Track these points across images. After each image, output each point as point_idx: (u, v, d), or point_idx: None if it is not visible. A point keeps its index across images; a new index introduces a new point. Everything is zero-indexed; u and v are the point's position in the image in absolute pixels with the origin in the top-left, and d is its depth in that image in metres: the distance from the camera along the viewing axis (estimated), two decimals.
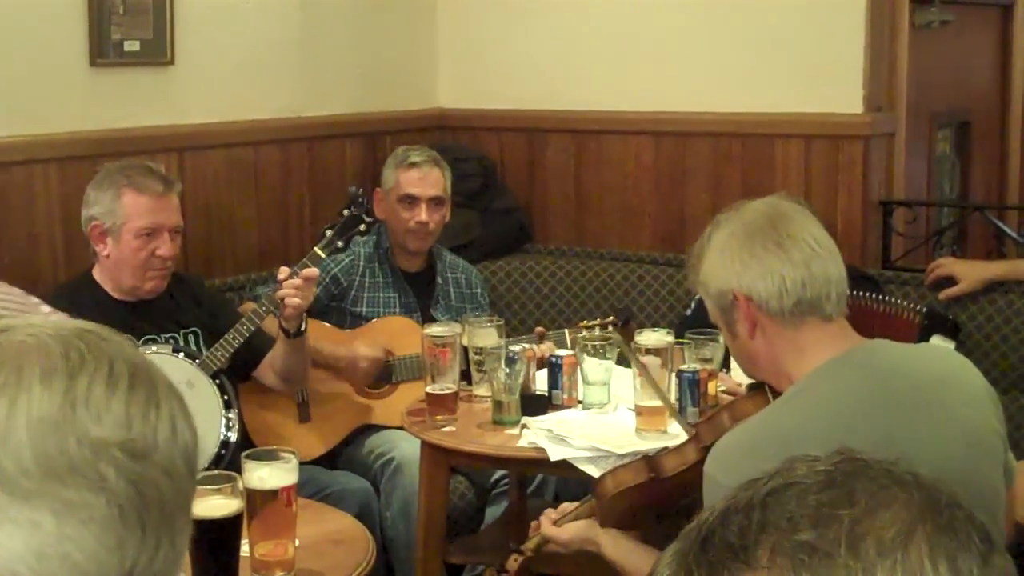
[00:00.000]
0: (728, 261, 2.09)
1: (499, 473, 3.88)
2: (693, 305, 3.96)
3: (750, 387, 2.29)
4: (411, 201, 4.05)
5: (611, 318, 3.63)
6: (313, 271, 3.46)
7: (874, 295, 3.87)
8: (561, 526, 2.45)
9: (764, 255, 2.06)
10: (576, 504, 2.52)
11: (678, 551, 0.89)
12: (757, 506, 0.87)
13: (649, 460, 2.35)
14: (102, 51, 3.87)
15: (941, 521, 0.85)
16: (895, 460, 0.92)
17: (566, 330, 3.76)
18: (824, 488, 0.87)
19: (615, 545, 2.37)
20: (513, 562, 2.52)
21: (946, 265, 4.14)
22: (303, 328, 3.50)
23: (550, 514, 2.49)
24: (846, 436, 1.85)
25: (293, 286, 3.39)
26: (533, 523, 2.50)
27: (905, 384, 2.03)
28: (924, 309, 3.92)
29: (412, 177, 4.06)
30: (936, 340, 3.84)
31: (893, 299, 3.90)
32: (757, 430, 2.01)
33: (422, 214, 4.05)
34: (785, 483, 0.89)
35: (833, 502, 0.86)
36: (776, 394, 2.15)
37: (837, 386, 2.00)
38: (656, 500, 2.40)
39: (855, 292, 3.82)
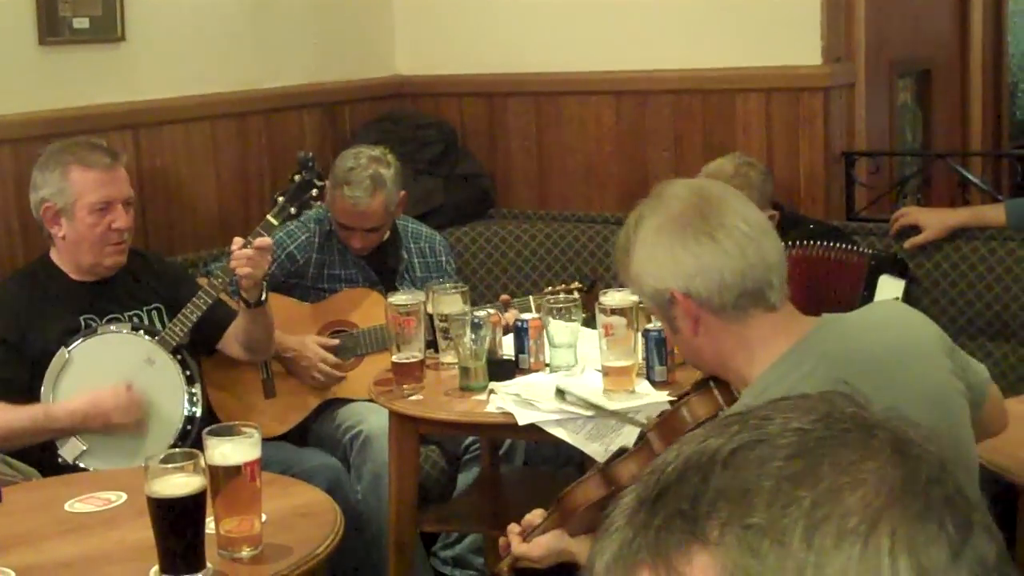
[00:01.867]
0: (660, 258, 1.98)
1: (469, 439, 3.87)
2: None
3: (696, 384, 2.21)
4: (347, 228, 3.98)
5: (576, 284, 3.61)
6: (266, 240, 3.42)
7: (820, 243, 3.87)
8: (530, 541, 2.41)
9: (697, 249, 1.95)
10: (541, 516, 2.47)
11: (630, 505, 0.83)
12: (718, 466, 0.80)
13: (604, 472, 2.29)
14: (51, 29, 3.81)
15: (914, 507, 0.78)
16: (888, 418, 0.86)
17: (531, 297, 3.74)
18: (791, 456, 0.79)
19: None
20: None
21: (910, 214, 4.15)
22: (263, 298, 3.47)
23: (514, 529, 2.45)
24: None
25: (244, 256, 3.35)
26: (502, 540, 2.45)
27: (861, 361, 1.96)
28: (870, 251, 3.95)
29: (347, 206, 3.91)
30: (885, 279, 3.86)
31: (840, 244, 3.90)
32: None
33: (356, 241, 3.98)
34: (753, 439, 0.81)
35: (796, 476, 0.78)
36: (723, 388, 2.10)
37: (795, 383, 1.90)
38: None
39: (804, 242, 3.84)
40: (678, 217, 1.98)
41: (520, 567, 2.44)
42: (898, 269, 3.92)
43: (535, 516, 2.40)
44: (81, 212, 3.38)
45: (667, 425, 2.16)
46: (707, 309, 1.97)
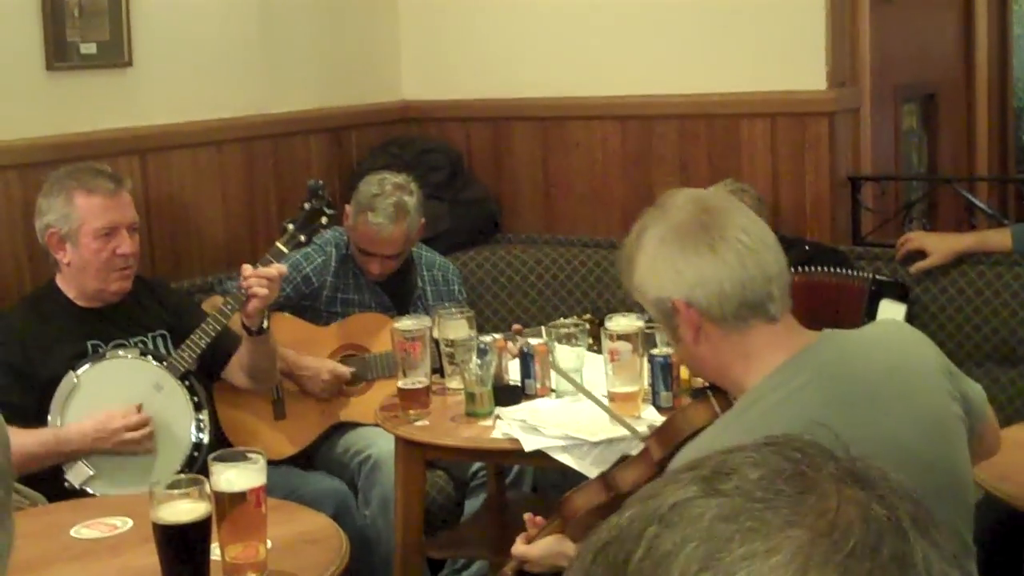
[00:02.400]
0: (662, 268, 2.00)
1: (477, 465, 3.87)
2: None
3: (693, 393, 2.24)
4: (367, 253, 4.02)
5: (588, 316, 3.60)
6: (282, 268, 3.43)
7: (822, 268, 3.89)
8: (533, 544, 2.43)
9: (698, 260, 1.97)
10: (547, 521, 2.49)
11: (580, 553, 0.86)
12: (654, 524, 0.82)
13: (605, 479, 2.31)
14: (58, 55, 3.83)
15: None
16: (844, 473, 0.85)
17: (543, 328, 3.74)
18: (719, 518, 0.80)
19: None
20: None
21: (916, 239, 4.15)
22: (265, 326, 3.47)
23: (529, 531, 2.46)
24: None
25: (265, 276, 3.36)
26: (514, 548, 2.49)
27: (858, 382, 1.96)
28: (872, 275, 3.96)
29: (370, 232, 3.94)
30: (886, 304, 3.86)
31: (840, 269, 3.92)
32: (716, 444, 1.95)
33: (375, 267, 4.00)
34: (692, 496, 0.83)
35: (716, 540, 0.79)
36: (720, 397, 2.12)
37: (788, 394, 1.92)
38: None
39: (805, 268, 3.85)
40: (680, 227, 2.00)
41: (525, 571, 2.44)
42: (899, 293, 3.93)
43: (541, 521, 2.42)
44: (86, 238, 3.39)
45: (665, 432, 2.19)
46: (708, 319, 1.99)
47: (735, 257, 1.97)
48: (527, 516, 2.44)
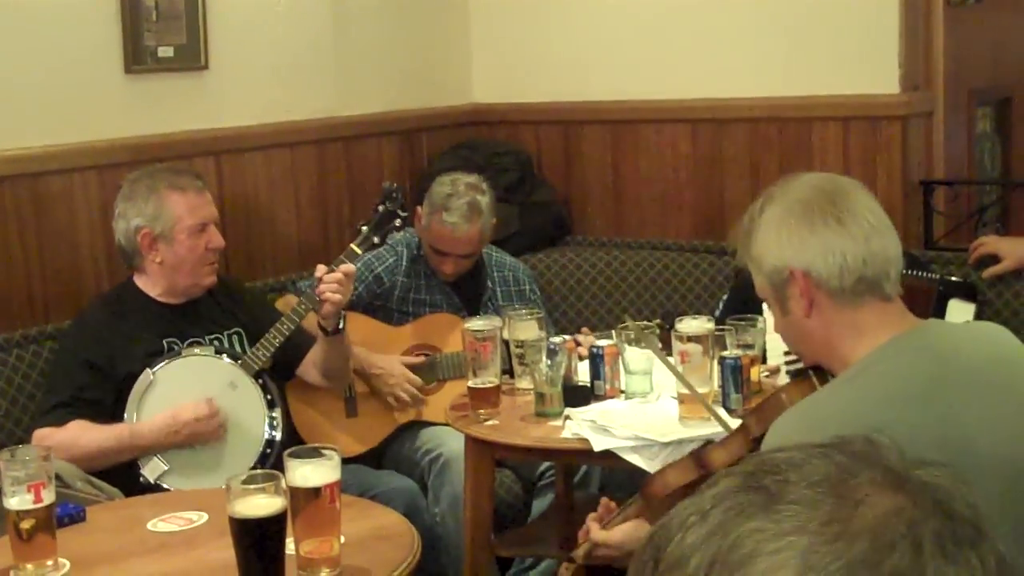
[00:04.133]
0: (785, 237, 2.03)
1: (544, 465, 3.88)
2: (728, 293, 3.96)
3: (794, 374, 2.25)
4: (441, 253, 4.04)
5: (657, 321, 3.61)
6: (350, 267, 3.47)
7: None
8: (609, 529, 2.42)
9: (824, 231, 2.00)
10: (622, 505, 2.49)
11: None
12: (695, 515, 0.86)
13: (697, 457, 2.31)
14: (137, 58, 3.89)
15: None
16: (873, 475, 0.87)
17: (612, 332, 3.75)
18: (741, 517, 0.84)
19: None
20: (565, 571, 2.49)
21: (989, 243, 4.11)
22: (341, 326, 3.51)
23: (595, 518, 2.46)
24: (902, 415, 1.86)
25: (333, 280, 3.40)
26: (582, 530, 2.47)
27: (966, 365, 1.99)
28: (938, 276, 3.93)
29: (444, 232, 3.97)
30: (955, 303, 3.84)
31: (909, 271, 3.89)
32: (817, 409, 1.97)
33: (448, 266, 4.04)
34: (725, 491, 0.87)
35: (732, 538, 0.83)
36: (821, 377, 2.13)
37: (897, 366, 1.96)
38: None
39: None
40: (807, 200, 2.04)
41: (597, 555, 2.43)
42: (967, 293, 3.89)
43: (615, 507, 2.42)
44: (181, 235, 3.46)
45: (765, 410, 2.20)
46: (824, 290, 2.01)
47: (861, 232, 2.00)
48: (603, 500, 2.44)
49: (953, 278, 3.99)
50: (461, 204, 3.95)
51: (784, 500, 0.84)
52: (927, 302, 3.82)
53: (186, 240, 3.46)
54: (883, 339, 1.99)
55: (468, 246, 4.00)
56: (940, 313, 3.82)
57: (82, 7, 3.77)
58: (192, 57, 4.05)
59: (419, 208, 4.08)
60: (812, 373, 2.14)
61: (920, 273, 3.91)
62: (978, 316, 3.85)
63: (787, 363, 3.46)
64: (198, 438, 3.35)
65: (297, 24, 4.38)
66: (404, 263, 4.06)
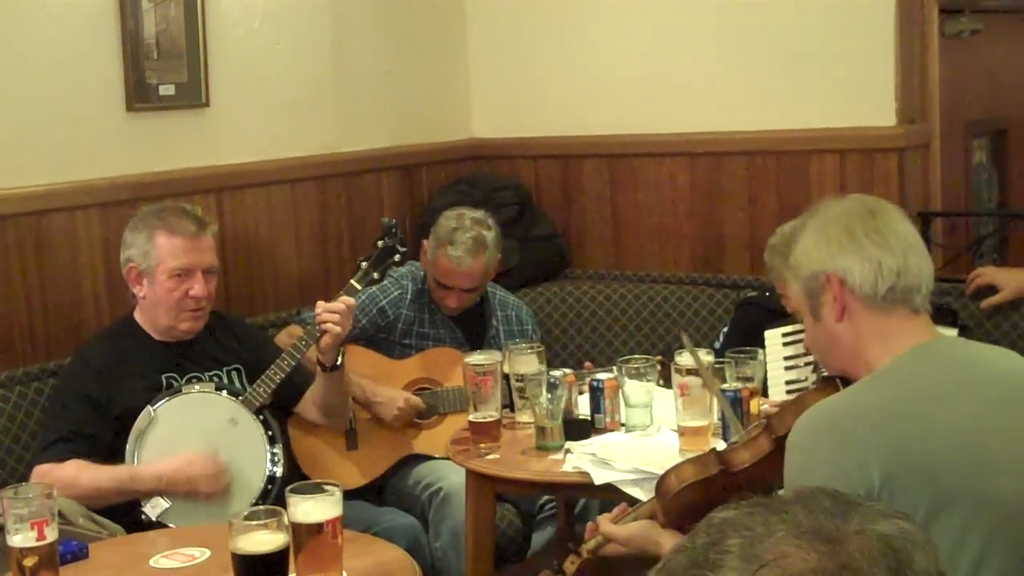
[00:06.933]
0: (825, 243, 2.12)
1: (544, 499, 3.89)
2: (728, 326, 3.97)
3: (822, 379, 2.31)
4: (445, 287, 4.07)
5: (659, 357, 3.62)
6: (350, 300, 3.49)
7: None
8: (621, 525, 2.43)
9: (864, 240, 2.10)
10: (635, 506, 2.50)
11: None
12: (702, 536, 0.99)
13: (719, 454, 2.33)
14: (138, 96, 3.92)
15: None
16: (813, 523, 1.00)
17: (614, 367, 3.76)
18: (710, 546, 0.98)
19: None
20: (571, 564, 2.49)
21: (987, 274, 4.12)
22: (339, 362, 3.53)
23: (607, 516, 2.48)
24: (930, 414, 1.91)
25: (335, 309, 3.42)
26: (590, 524, 2.49)
27: (990, 377, 2.08)
28: None
29: (449, 266, 4.01)
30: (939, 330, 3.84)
31: None
32: (844, 404, 2.04)
33: (452, 300, 4.06)
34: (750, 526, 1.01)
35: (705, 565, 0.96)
36: (844, 382, 2.18)
37: (924, 370, 2.05)
38: (721, 498, 2.37)
39: None
40: (848, 211, 2.15)
41: (605, 552, 2.44)
42: (948, 319, 3.90)
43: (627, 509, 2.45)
44: (161, 276, 3.47)
45: (790, 412, 2.22)
46: (856, 296, 2.10)
47: (899, 245, 2.10)
48: (621, 504, 2.47)
49: (934, 302, 3.98)
50: (466, 238, 3.98)
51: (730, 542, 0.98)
52: None
53: (165, 282, 3.47)
54: (907, 346, 2.08)
55: (472, 280, 4.02)
56: None
57: (84, 45, 3.80)
58: (193, 95, 4.07)
59: (425, 242, 4.11)
60: (839, 381, 2.20)
61: None
62: None
63: (788, 392, 3.48)
64: (200, 494, 3.35)
65: (297, 61, 4.41)
66: (409, 296, 4.08)
